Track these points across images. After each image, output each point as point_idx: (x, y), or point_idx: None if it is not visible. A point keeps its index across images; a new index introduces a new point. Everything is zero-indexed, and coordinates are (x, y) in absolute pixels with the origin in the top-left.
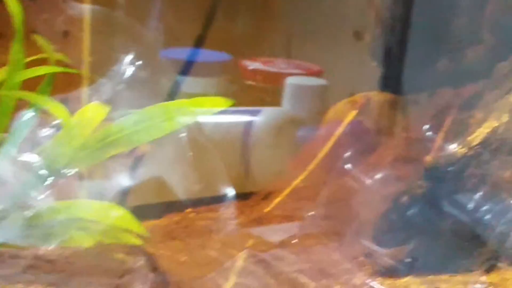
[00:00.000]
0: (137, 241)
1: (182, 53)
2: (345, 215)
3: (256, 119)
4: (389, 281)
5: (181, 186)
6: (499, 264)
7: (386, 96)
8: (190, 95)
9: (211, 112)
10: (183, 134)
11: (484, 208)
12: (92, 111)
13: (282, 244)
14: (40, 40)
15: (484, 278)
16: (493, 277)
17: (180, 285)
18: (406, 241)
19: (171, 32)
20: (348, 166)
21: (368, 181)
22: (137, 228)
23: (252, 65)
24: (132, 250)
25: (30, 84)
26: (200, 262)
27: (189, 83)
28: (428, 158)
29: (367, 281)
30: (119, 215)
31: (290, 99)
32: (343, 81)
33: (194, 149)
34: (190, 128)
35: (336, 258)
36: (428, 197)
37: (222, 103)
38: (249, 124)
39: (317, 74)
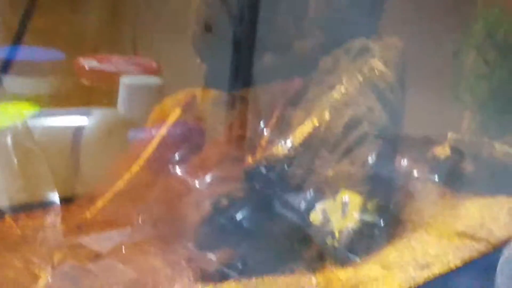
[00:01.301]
0: None
1: (10, 51)
2: (169, 219)
3: (86, 121)
4: (210, 287)
5: (2, 193)
6: (325, 264)
7: (212, 93)
8: (17, 96)
9: (18, 119)
10: (8, 138)
11: (308, 208)
12: None
13: (98, 255)
14: None
15: (308, 279)
16: (319, 277)
17: None
18: (229, 244)
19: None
20: (173, 167)
21: (193, 183)
22: None
23: (88, 63)
24: None
25: None
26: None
27: (16, 83)
28: (248, 160)
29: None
30: None
31: (124, 99)
32: (187, 77)
33: (18, 153)
34: (16, 131)
35: (157, 264)
36: (250, 200)
37: (28, 108)
38: (79, 127)
39: (155, 71)
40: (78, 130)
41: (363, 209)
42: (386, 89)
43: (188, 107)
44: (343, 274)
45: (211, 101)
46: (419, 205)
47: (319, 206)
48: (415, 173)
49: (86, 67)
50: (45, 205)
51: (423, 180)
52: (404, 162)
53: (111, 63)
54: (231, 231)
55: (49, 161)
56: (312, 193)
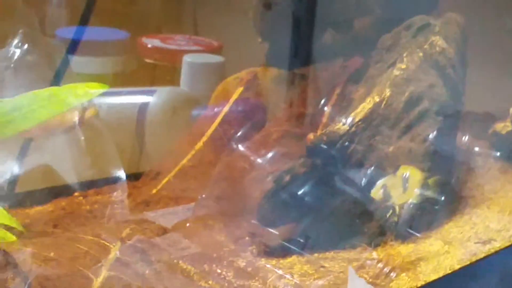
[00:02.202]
0: (11, 237)
1: (76, 32)
2: (232, 195)
3: (150, 99)
4: (273, 261)
5: (71, 170)
6: (386, 239)
7: (273, 71)
8: (83, 76)
9: (85, 98)
10: (76, 117)
11: (369, 183)
12: None
13: (164, 229)
14: None
15: (369, 254)
16: (380, 252)
17: (44, 283)
18: (291, 220)
19: (69, 10)
20: (236, 144)
21: (255, 159)
22: (10, 223)
23: (151, 42)
24: None
25: None
26: (73, 256)
27: (83, 63)
28: (310, 136)
29: (251, 262)
30: None
31: (186, 78)
32: (248, 56)
33: (86, 131)
34: (83, 110)
35: (221, 239)
36: (311, 175)
37: (96, 88)
38: (144, 105)
39: (217, 50)
40: (142, 108)
41: (424, 185)
42: (447, 65)
43: (250, 85)
44: (403, 249)
45: (272, 79)
46: (480, 181)
47: (379, 182)
48: (477, 148)
49: (149, 46)
50: (112, 182)
51: (485, 155)
52: (465, 138)
53: (174, 41)
54: (293, 206)
55: (115, 138)
56: (373, 169)
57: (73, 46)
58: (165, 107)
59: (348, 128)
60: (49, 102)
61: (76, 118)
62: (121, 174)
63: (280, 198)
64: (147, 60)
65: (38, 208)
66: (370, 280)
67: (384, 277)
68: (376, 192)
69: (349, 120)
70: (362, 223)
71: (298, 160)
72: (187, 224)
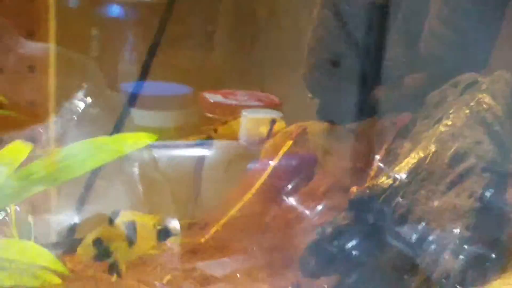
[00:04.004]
0: (55, 279)
1: (139, 86)
2: (279, 246)
3: (208, 152)
4: None
5: None
6: None
7: (323, 125)
8: (144, 129)
9: (134, 148)
10: (135, 167)
11: (413, 238)
12: (14, 150)
13: (209, 279)
14: None
15: None
16: None
17: None
18: (336, 272)
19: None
20: (285, 196)
21: (304, 212)
22: (56, 266)
23: (213, 97)
24: None
25: None
26: None
27: (144, 116)
28: (353, 189)
29: None
30: (39, 254)
31: (244, 132)
32: (302, 111)
33: (144, 181)
34: (143, 161)
35: None
36: (355, 228)
37: (145, 139)
38: (201, 158)
39: (277, 106)
40: (200, 161)
41: (473, 241)
42: (495, 122)
43: (299, 139)
44: None
45: (322, 133)
46: None
47: (427, 237)
48: None
49: (211, 101)
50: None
51: None
52: None
53: (235, 97)
54: (336, 259)
55: (172, 188)
56: (420, 224)
57: (134, 100)
58: (221, 160)
59: (392, 182)
60: (99, 151)
61: (135, 168)
62: (175, 223)
63: (322, 250)
64: (209, 115)
65: None
66: None
67: None
68: (424, 247)
69: (393, 174)
70: (410, 279)
71: (339, 213)
72: (233, 274)
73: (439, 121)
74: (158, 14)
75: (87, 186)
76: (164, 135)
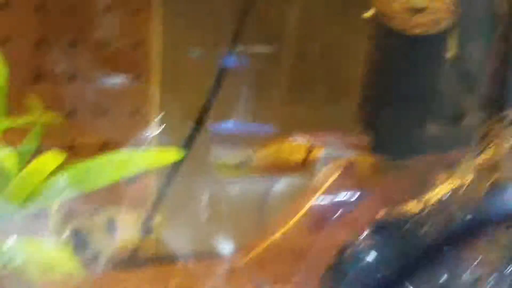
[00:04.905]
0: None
1: (226, 126)
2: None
3: (276, 186)
4: None
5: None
6: None
7: (372, 159)
8: (222, 165)
9: (155, 165)
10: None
11: (440, 269)
12: (45, 159)
13: None
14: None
15: None
16: None
17: None
18: None
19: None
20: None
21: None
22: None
23: (298, 140)
24: None
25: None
26: None
27: (224, 153)
28: (380, 213)
29: None
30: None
31: (278, 158)
32: None
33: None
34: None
35: None
36: (377, 251)
37: (174, 155)
38: (270, 191)
39: (362, 149)
40: (268, 193)
41: None
42: None
43: (347, 172)
44: None
45: (370, 167)
46: None
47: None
48: None
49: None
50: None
51: None
52: None
53: (321, 140)
54: (357, 280)
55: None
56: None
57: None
58: (285, 194)
59: (421, 208)
60: (118, 167)
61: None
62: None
63: (343, 271)
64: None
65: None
66: None
67: None
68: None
69: (421, 202)
70: None
71: (361, 236)
72: None
73: (479, 153)
74: None
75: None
76: (243, 172)
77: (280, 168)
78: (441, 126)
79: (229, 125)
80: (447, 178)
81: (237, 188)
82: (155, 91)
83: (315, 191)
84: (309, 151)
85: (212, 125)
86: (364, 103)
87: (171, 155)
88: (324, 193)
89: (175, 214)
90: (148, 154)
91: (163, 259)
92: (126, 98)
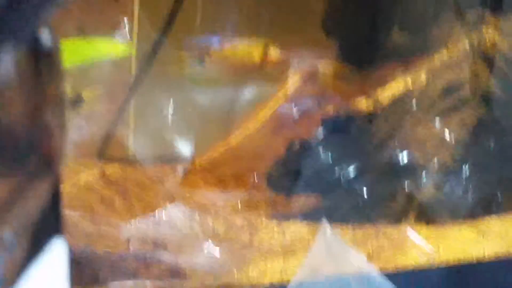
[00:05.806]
0: None
1: None
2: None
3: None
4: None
5: None
6: (406, 220)
7: (335, 67)
8: None
9: (109, 56)
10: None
11: (389, 162)
12: None
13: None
14: None
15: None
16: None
17: None
18: (302, 190)
19: None
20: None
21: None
22: None
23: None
24: None
25: None
26: None
27: None
28: (329, 108)
29: None
30: None
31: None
32: None
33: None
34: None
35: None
36: (322, 147)
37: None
38: (233, 98)
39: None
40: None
41: (457, 174)
42: (497, 58)
43: (310, 79)
44: (425, 231)
45: (334, 75)
46: None
47: (408, 163)
48: None
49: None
50: None
51: None
52: None
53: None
54: (296, 175)
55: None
56: (394, 149)
57: None
58: (250, 102)
59: (371, 107)
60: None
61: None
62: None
63: (289, 166)
64: None
65: None
66: None
67: None
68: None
69: (376, 98)
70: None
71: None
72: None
73: (436, 51)
74: None
75: None
76: None
77: (237, 69)
78: (407, 34)
79: None
80: (401, 78)
81: (203, 96)
82: None
83: (278, 98)
84: (265, 52)
85: None
86: (329, 11)
87: (120, 48)
88: (287, 100)
89: (140, 121)
90: (96, 43)
91: (122, 160)
92: None
